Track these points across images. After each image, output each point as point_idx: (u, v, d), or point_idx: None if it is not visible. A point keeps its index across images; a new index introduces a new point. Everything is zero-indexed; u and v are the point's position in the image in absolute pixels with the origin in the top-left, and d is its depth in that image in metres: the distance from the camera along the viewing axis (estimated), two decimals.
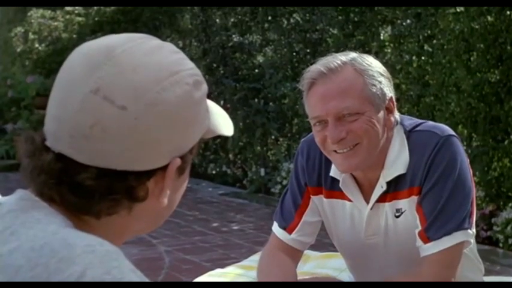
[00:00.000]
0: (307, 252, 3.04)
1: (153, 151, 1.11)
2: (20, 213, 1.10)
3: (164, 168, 1.14)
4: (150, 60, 1.12)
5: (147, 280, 1.03)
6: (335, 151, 2.11)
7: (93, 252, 1.03)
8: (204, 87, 1.18)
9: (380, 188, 2.18)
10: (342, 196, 2.25)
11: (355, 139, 2.08)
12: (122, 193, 1.11)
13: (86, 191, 1.10)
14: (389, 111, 2.14)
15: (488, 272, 3.79)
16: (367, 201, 2.22)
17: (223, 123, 1.26)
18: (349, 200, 2.25)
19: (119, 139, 1.09)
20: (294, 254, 2.34)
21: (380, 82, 2.12)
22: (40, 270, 1.01)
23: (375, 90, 2.10)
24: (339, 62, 2.10)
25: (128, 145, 1.09)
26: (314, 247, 2.69)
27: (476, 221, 5.97)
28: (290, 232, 2.32)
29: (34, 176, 1.12)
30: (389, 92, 2.14)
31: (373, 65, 2.14)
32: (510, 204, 5.71)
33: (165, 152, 1.13)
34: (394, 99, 2.16)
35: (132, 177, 1.11)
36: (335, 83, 2.08)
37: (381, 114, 2.11)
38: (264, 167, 8.20)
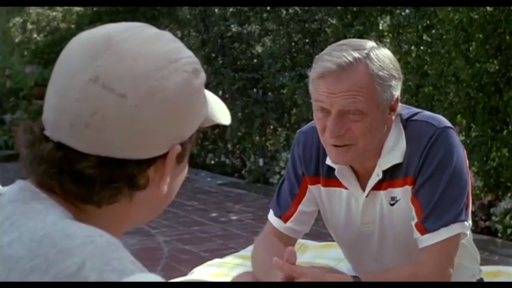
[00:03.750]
0: (305, 242, 3.05)
1: (153, 139, 1.11)
2: (20, 204, 1.10)
3: (164, 156, 1.14)
4: (149, 48, 1.13)
5: (146, 271, 1.03)
6: (331, 144, 2.11)
7: (92, 243, 1.02)
8: (203, 76, 1.19)
9: (376, 176, 2.19)
10: (339, 184, 2.26)
11: (352, 139, 2.09)
12: (123, 181, 1.11)
13: (87, 180, 1.10)
14: (392, 109, 2.13)
15: (486, 262, 3.80)
16: (363, 189, 2.22)
17: (220, 112, 1.27)
18: (346, 188, 2.25)
19: (119, 127, 1.09)
20: (289, 242, 2.35)
21: (390, 86, 2.09)
22: (39, 261, 1.01)
23: (384, 96, 2.08)
24: (351, 59, 2.05)
25: (128, 133, 1.09)
26: (312, 237, 2.70)
27: (474, 211, 5.97)
28: (285, 221, 2.33)
29: (34, 166, 1.12)
30: (397, 92, 2.12)
31: (387, 64, 2.10)
32: (509, 194, 5.71)
33: (165, 139, 1.13)
34: (399, 98, 2.15)
35: (133, 165, 1.11)
36: (345, 82, 2.05)
37: (384, 113, 2.11)
38: (262, 157, 8.19)
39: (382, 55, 2.11)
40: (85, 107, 1.09)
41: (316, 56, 2.13)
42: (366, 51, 2.09)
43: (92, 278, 0.99)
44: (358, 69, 2.05)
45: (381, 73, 2.07)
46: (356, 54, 2.06)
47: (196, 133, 1.20)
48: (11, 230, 1.07)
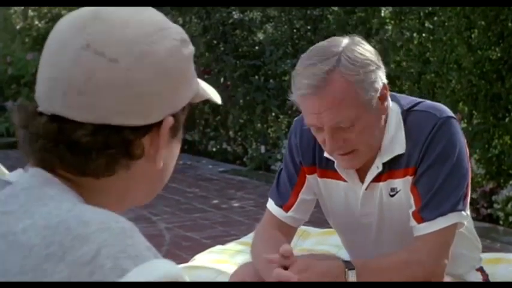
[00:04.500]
0: (307, 228, 3.05)
1: (146, 104, 1.13)
2: (33, 191, 1.11)
3: (158, 126, 1.15)
4: (138, 17, 1.16)
5: (160, 257, 1.03)
6: (336, 153, 2.12)
7: (108, 229, 1.03)
8: (191, 48, 1.21)
9: (376, 169, 2.18)
10: (336, 176, 2.25)
11: (352, 146, 2.08)
12: (119, 147, 1.12)
13: (83, 149, 1.11)
14: (382, 98, 2.11)
15: (488, 249, 3.80)
16: (362, 181, 2.22)
17: (211, 91, 1.29)
18: (343, 180, 2.25)
19: (112, 92, 1.10)
20: (289, 231, 2.35)
21: (371, 82, 2.05)
22: (55, 248, 1.01)
23: (368, 96, 2.04)
24: (323, 73, 2.00)
25: (121, 98, 1.11)
26: (314, 224, 2.70)
27: (476, 199, 5.96)
28: (287, 210, 2.32)
29: (32, 144, 1.13)
30: (381, 81, 2.08)
31: (361, 62, 2.03)
32: (511, 182, 5.71)
33: (158, 106, 1.15)
34: (386, 85, 2.12)
35: (128, 132, 1.12)
36: (325, 98, 2.01)
37: (375, 106, 2.09)
38: (264, 144, 8.19)
39: (355, 54, 2.04)
40: (77, 74, 1.10)
41: (293, 73, 2.11)
42: (336, 58, 2.02)
43: (108, 265, 0.99)
44: (333, 80, 2.00)
45: (357, 77, 2.02)
46: (326, 67, 2.01)
47: (189, 106, 1.22)
48: (25, 217, 1.07)
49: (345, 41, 2.08)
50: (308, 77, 2.02)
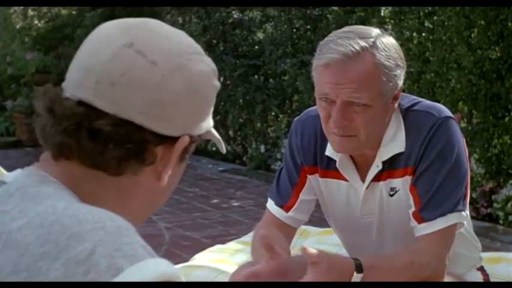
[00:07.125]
0: (307, 228, 3.05)
1: (170, 113, 1.16)
2: (28, 190, 1.11)
3: (173, 142, 1.18)
4: (180, 35, 1.22)
5: (156, 256, 1.03)
6: (334, 133, 2.10)
7: (103, 228, 1.03)
8: (218, 83, 1.27)
9: (376, 168, 2.17)
10: (338, 176, 2.24)
11: (355, 129, 2.07)
12: (136, 145, 1.14)
13: (103, 137, 1.13)
14: (394, 98, 2.12)
15: (488, 249, 3.80)
16: (363, 181, 2.21)
17: (218, 136, 1.34)
18: (345, 180, 2.24)
19: (144, 92, 1.13)
20: (289, 232, 2.34)
21: (395, 76, 2.07)
22: (50, 247, 1.01)
23: (389, 86, 2.05)
24: (358, 47, 2.02)
25: (150, 100, 1.14)
26: (315, 223, 2.69)
27: (476, 198, 5.94)
28: (287, 210, 2.31)
29: (55, 127, 1.14)
30: (401, 81, 2.11)
31: (392, 53, 2.08)
32: (510, 182, 5.71)
33: (180, 120, 1.18)
34: (401, 87, 2.13)
35: (147, 133, 1.15)
36: (351, 71, 2.01)
37: (387, 103, 2.10)
38: (264, 143, 8.20)
39: (388, 44, 2.09)
40: (115, 67, 1.14)
41: (321, 42, 2.10)
42: (372, 40, 2.05)
43: (103, 264, 0.99)
44: (365, 58, 2.02)
45: (386, 63, 2.05)
46: (363, 43, 2.03)
47: (199, 138, 1.24)
48: (20, 216, 1.07)
49: (377, 30, 2.13)
50: (343, 45, 2.03)
